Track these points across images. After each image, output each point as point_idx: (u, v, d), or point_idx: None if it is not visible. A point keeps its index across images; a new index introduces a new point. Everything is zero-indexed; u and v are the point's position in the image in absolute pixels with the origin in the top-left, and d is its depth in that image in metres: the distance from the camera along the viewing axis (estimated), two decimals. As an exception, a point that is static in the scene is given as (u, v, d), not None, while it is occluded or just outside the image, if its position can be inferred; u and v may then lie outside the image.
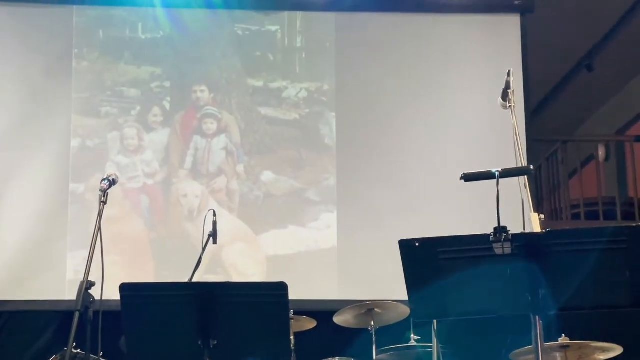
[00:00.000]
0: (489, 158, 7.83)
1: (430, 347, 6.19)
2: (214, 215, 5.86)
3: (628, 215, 9.06)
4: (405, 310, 6.43)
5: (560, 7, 9.85)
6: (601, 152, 10.67)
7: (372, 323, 6.62)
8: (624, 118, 11.85)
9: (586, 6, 9.90)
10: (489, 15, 8.51)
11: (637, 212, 9.19)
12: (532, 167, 4.24)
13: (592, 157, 10.16)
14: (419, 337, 6.53)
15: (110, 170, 6.42)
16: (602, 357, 5.88)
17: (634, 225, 3.89)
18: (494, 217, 3.84)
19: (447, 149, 8.20)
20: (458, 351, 6.37)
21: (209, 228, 5.85)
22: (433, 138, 8.27)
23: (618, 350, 5.78)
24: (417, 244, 3.88)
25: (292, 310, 5.89)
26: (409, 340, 6.58)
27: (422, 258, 3.88)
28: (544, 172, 10.07)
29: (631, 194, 9.72)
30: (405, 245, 3.89)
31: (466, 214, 7.64)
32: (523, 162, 4.58)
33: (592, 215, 9.29)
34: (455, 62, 8.44)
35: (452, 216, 7.87)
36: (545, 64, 10.28)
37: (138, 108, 8.30)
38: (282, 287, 4.63)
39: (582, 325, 6.23)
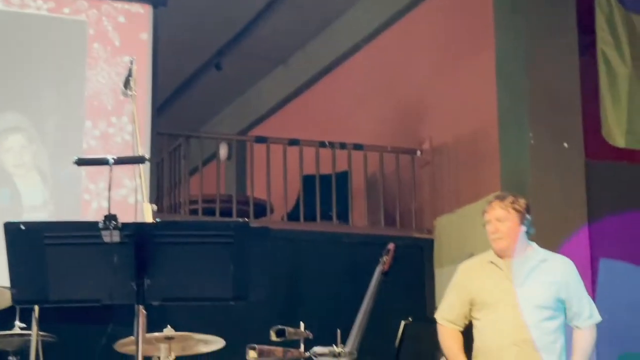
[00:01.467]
0: (113, 145, 7.87)
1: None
2: None
3: (243, 213, 9.29)
4: (8, 295, 6.21)
5: (193, 3, 9.97)
6: (223, 151, 10.89)
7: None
8: (248, 119, 12.20)
9: (219, 5, 10.09)
10: (119, 2, 8.42)
11: (252, 210, 9.46)
12: (146, 156, 4.23)
13: (214, 155, 10.35)
14: (25, 325, 6.35)
15: None
16: (204, 350, 5.99)
17: (240, 220, 4.00)
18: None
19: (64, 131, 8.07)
20: (61, 339, 6.27)
21: None
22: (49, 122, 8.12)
23: (220, 343, 5.91)
24: (22, 227, 3.78)
25: None
26: (13, 327, 6.39)
27: (27, 242, 3.79)
28: (166, 166, 10.11)
29: (248, 192, 10.00)
30: (10, 228, 3.78)
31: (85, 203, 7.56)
32: (140, 151, 4.57)
33: (209, 212, 9.44)
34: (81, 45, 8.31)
35: (63, 203, 7.77)
36: (176, 59, 10.36)
37: None
38: None
39: (187, 317, 6.33)
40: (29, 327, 6.16)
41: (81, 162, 4.02)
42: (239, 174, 11.40)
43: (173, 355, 5.87)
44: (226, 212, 9.43)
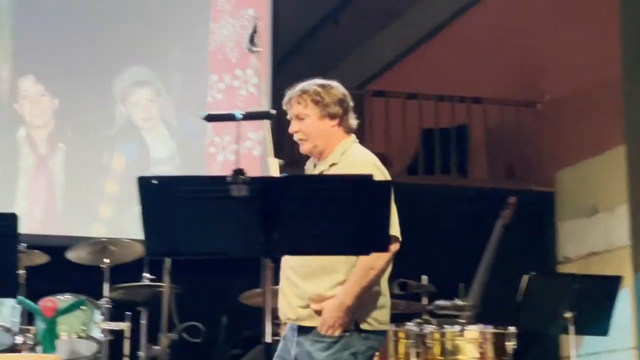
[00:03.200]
0: (237, 98, 7.99)
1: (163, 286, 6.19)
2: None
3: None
4: (140, 249, 6.39)
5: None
6: (341, 105, 10.89)
7: (107, 260, 6.55)
8: (365, 73, 12.19)
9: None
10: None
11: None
12: (273, 111, 4.27)
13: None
14: (154, 277, 6.52)
15: None
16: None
17: (361, 175, 3.99)
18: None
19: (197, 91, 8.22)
20: (190, 290, 6.41)
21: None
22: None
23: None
24: (155, 182, 3.88)
25: (24, 245, 5.77)
26: (141, 279, 6.57)
27: (160, 196, 3.87)
28: (286, 121, 10.18)
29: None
30: (143, 182, 3.87)
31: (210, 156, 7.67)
32: (267, 107, 4.63)
33: (328, 166, 9.49)
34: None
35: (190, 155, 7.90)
36: (294, 14, 10.40)
37: None
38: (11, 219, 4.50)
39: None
40: (157, 279, 6.33)
41: (210, 118, 4.09)
42: (358, 128, 11.39)
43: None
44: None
